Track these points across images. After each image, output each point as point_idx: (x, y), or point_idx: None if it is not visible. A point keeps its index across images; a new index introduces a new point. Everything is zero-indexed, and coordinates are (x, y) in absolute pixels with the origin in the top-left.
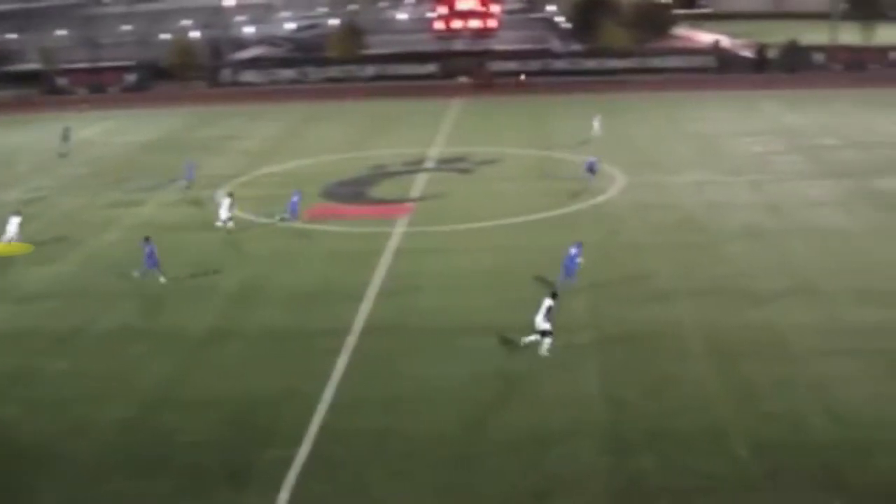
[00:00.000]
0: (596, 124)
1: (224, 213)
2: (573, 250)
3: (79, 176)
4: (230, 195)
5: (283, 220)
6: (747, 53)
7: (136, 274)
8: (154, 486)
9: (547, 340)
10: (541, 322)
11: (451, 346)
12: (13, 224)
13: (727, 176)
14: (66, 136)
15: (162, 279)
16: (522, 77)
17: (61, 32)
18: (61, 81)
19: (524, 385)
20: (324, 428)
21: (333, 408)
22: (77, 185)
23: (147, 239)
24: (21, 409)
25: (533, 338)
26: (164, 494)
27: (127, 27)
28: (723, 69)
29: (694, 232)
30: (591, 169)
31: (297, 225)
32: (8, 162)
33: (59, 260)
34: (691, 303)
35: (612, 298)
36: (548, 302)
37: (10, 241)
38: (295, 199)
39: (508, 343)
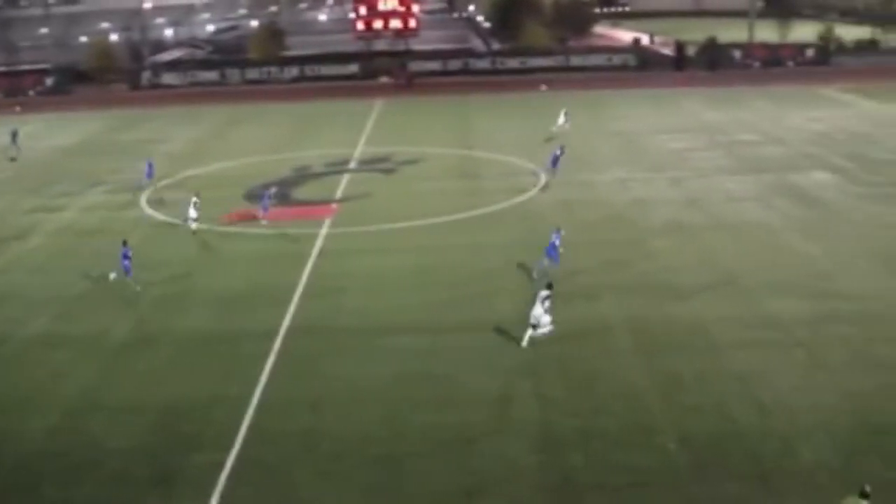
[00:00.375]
0: (562, 118)
1: (192, 212)
2: (554, 237)
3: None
4: (197, 195)
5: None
6: (667, 51)
7: (111, 276)
8: (82, 493)
9: (542, 331)
10: (540, 315)
11: (376, 346)
12: None
13: (649, 172)
14: (14, 139)
15: (138, 287)
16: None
17: None
18: None
19: (451, 384)
20: (252, 431)
21: (261, 410)
22: None
23: (125, 243)
24: None
25: (538, 332)
26: (93, 501)
27: (44, 30)
28: (643, 67)
29: (618, 229)
30: (555, 161)
31: (221, 228)
32: None
33: None
34: (617, 299)
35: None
36: (544, 293)
37: None
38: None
39: (433, 342)
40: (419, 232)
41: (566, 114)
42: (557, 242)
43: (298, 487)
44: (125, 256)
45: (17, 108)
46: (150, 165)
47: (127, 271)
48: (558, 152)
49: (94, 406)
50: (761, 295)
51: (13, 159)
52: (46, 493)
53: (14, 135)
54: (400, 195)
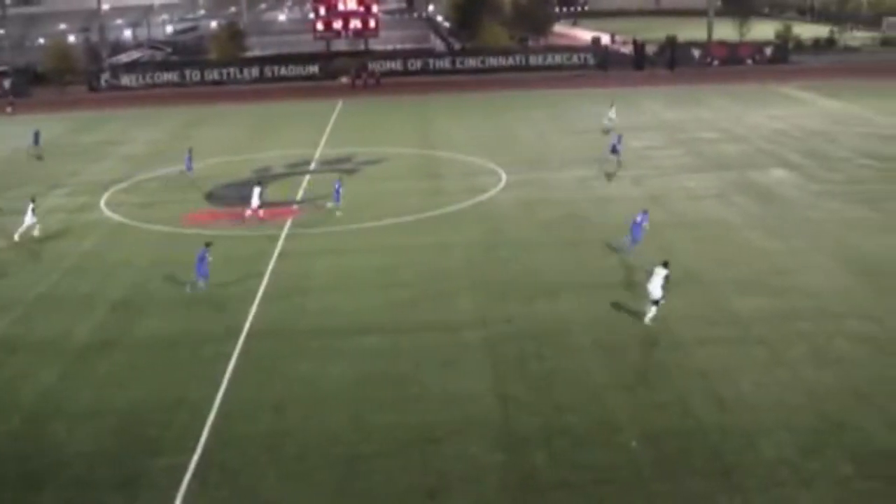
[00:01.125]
0: (612, 112)
1: (255, 200)
2: (639, 217)
3: None
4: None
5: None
6: (626, 51)
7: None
8: (42, 498)
9: (654, 309)
10: (655, 290)
11: (339, 346)
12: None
13: (598, 171)
14: (36, 140)
15: (201, 285)
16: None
17: None
18: None
19: (413, 384)
20: (215, 434)
21: (224, 413)
22: None
23: (207, 245)
24: None
25: (654, 310)
26: None
27: (0, 31)
28: (603, 67)
29: (578, 228)
30: (615, 150)
31: (182, 230)
32: None
33: None
34: (578, 297)
35: (499, 295)
36: (663, 272)
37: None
38: (337, 185)
39: (396, 342)
40: (381, 232)
41: (613, 107)
42: (644, 223)
43: (262, 490)
44: (201, 259)
45: (9, 109)
46: (190, 157)
47: (200, 274)
48: (616, 141)
49: (54, 410)
50: (722, 292)
51: (40, 158)
52: (7, 499)
53: (36, 136)
54: (362, 195)
